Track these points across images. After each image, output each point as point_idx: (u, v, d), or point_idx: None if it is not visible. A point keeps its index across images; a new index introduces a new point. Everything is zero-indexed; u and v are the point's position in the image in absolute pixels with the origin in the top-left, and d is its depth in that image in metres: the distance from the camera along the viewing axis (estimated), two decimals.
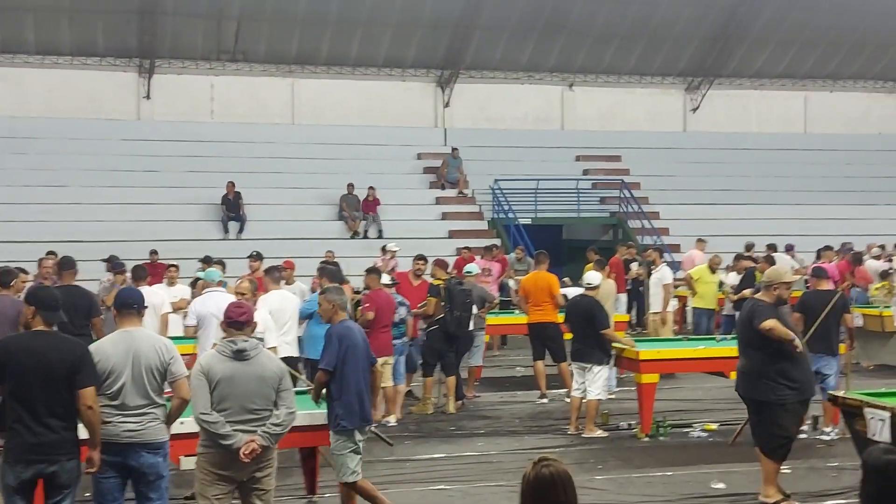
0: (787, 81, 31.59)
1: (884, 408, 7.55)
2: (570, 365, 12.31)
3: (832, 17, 29.11)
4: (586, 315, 11.63)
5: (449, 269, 14.67)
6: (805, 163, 30.24)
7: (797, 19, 29.13)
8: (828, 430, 11.07)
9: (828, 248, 20.60)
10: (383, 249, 21.11)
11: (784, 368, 8.41)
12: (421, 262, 14.17)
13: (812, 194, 28.71)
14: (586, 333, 11.63)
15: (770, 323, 8.34)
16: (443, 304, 12.92)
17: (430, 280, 13.75)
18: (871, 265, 19.88)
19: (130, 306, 6.85)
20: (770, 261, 16.18)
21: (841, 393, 8.43)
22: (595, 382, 11.46)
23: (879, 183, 29.61)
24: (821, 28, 29.61)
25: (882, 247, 21.00)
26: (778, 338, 8.37)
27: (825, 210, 27.80)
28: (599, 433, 11.48)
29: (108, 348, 6.64)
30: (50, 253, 16.26)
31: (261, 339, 9.09)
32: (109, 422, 6.48)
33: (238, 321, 6.82)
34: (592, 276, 12.29)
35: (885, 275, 18.83)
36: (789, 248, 21.85)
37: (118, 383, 6.53)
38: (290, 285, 13.03)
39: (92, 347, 6.67)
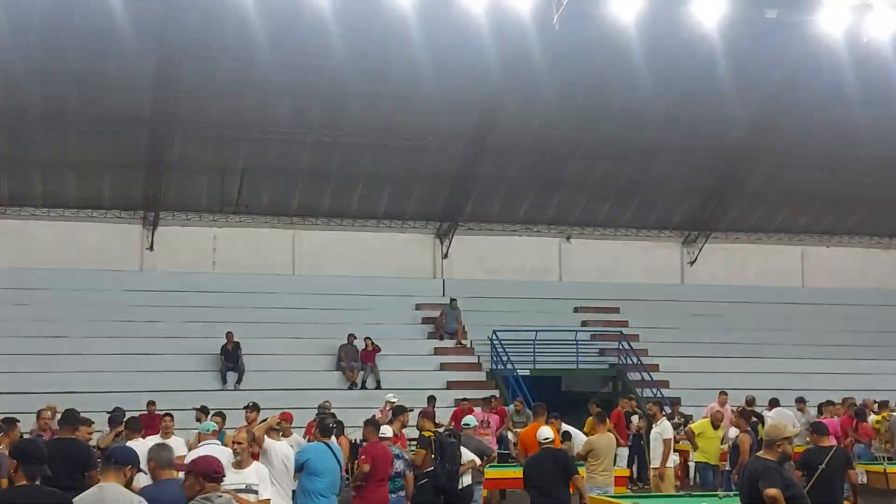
0: (783, 236, 31.98)
1: None
2: None
3: (826, 175, 29.67)
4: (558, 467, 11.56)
5: (438, 421, 14.51)
6: (804, 317, 30.33)
7: (791, 176, 29.68)
8: None
9: (830, 402, 20.48)
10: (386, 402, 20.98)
11: None
12: (403, 415, 14.34)
13: (812, 348, 28.71)
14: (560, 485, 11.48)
15: (774, 492, 8.27)
16: (433, 456, 12.75)
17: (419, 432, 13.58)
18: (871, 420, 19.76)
19: (108, 461, 6.91)
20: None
21: None
22: None
23: (880, 338, 29.61)
24: (815, 185, 30.13)
25: (884, 403, 20.85)
26: None
27: (826, 364, 27.74)
28: None
29: None
30: (49, 405, 16.20)
31: (255, 492, 9.01)
32: None
33: (218, 475, 6.81)
34: (544, 430, 12.23)
35: (883, 405, 18.76)
36: (800, 401, 21.62)
37: None
38: (287, 437, 12.90)
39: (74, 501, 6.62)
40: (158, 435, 14.39)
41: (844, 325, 30.29)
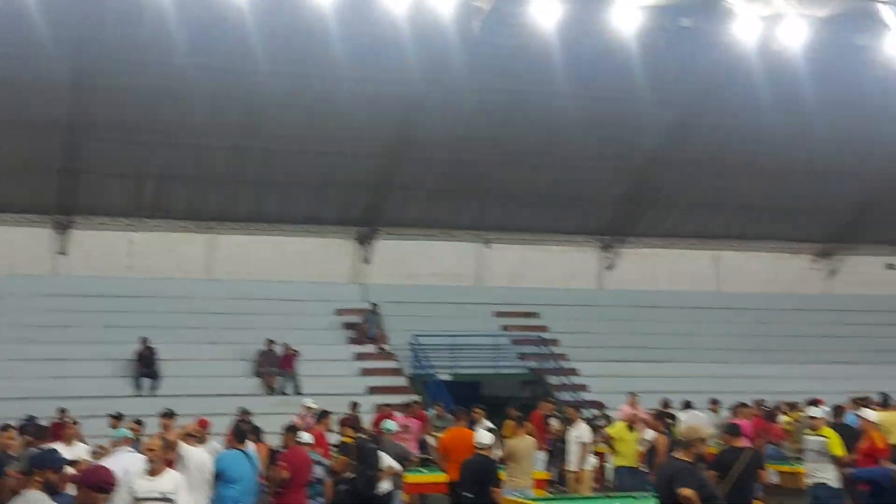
0: (697, 241, 32.50)
1: None
2: None
3: (739, 181, 30.22)
4: (481, 473, 11.44)
5: (356, 426, 14.45)
6: (719, 321, 30.86)
7: (705, 183, 30.19)
8: None
9: (743, 404, 20.83)
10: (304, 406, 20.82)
11: None
12: (326, 419, 14.30)
13: (727, 352, 29.21)
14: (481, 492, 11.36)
15: (688, 493, 8.41)
16: (353, 463, 12.69)
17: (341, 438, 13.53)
18: (782, 421, 20.19)
19: (27, 468, 6.80)
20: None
21: None
22: None
23: (791, 342, 30.27)
24: (728, 191, 30.69)
25: (792, 405, 21.31)
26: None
27: (738, 368, 28.24)
28: None
29: None
30: None
31: (170, 500, 8.86)
32: None
33: (108, 486, 6.72)
34: (484, 435, 12.10)
35: (793, 407, 19.19)
36: (713, 402, 22.01)
37: None
38: (203, 444, 12.71)
39: None
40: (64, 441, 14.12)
41: (756, 328, 30.91)
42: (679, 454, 8.89)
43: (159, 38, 22.99)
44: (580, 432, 17.02)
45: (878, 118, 28.82)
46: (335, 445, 13.21)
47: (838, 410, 16.72)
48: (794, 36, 24.59)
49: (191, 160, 26.50)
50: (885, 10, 24.79)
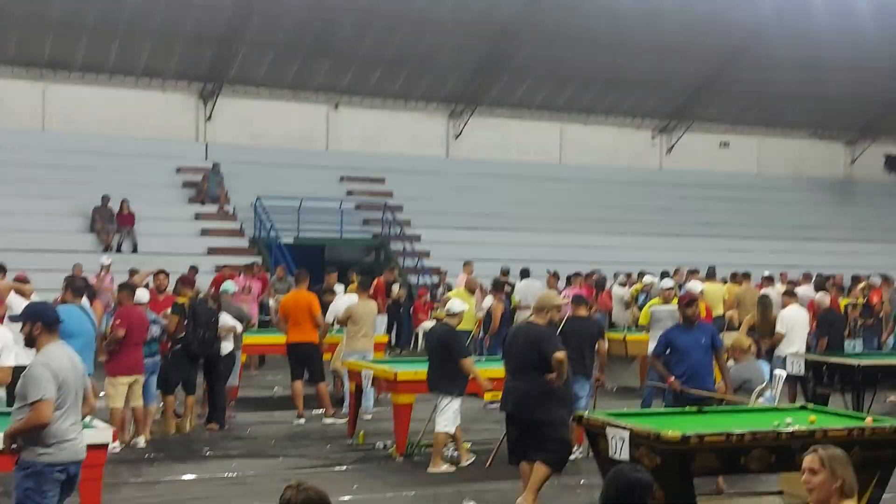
0: (544, 113, 32.87)
1: (623, 427, 7.91)
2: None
3: (587, 54, 30.50)
4: (442, 343, 11.00)
5: (196, 287, 14.22)
6: (560, 192, 31.50)
7: (557, 54, 30.34)
8: (574, 449, 11.49)
9: (577, 274, 21.46)
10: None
11: (562, 389, 8.99)
12: (163, 276, 14.12)
13: (566, 222, 29.92)
14: (441, 361, 10.94)
15: (561, 355, 8.88)
16: (186, 322, 12.58)
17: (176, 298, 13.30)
18: (617, 292, 20.94)
19: None
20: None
21: (585, 413, 8.79)
22: (443, 414, 10.81)
23: (627, 214, 31.21)
24: (578, 64, 30.96)
25: (628, 275, 22.09)
26: (560, 367, 8.86)
27: (576, 238, 28.99)
28: (445, 468, 10.84)
29: None
30: None
31: None
32: None
33: None
34: (455, 303, 11.61)
35: (628, 277, 19.97)
36: (552, 274, 22.49)
37: None
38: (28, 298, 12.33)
39: None
40: None
41: (596, 200, 31.72)
42: (535, 318, 9.22)
43: None
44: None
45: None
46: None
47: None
48: None
49: (22, 0, 24.98)
50: None
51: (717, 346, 10.59)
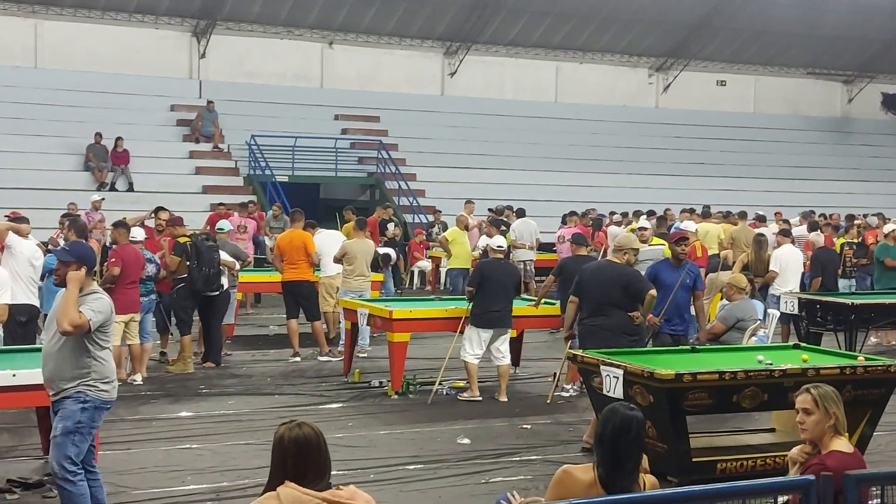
0: (540, 51, 32.63)
1: (618, 366, 7.97)
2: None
3: None
4: (516, 281, 11.53)
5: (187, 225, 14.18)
6: (555, 131, 31.39)
7: None
8: (568, 386, 11.60)
9: (573, 213, 21.45)
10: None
11: (639, 326, 9.55)
12: (163, 213, 14.02)
13: (560, 161, 29.84)
14: (510, 298, 11.44)
15: (654, 292, 9.41)
16: (188, 262, 12.59)
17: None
18: (613, 231, 20.93)
19: None
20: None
21: (580, 352, 8.83)
22: (505, 344, 11.44)
23: (622, 153, 31.16)
24: (572, 2, 30.71)
25: (624, 214, 22.08)
26: (650, 305, 9.48)
27: (572, 177, 28.97)
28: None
29: None
30: None
31: None
32: None
33: None
34: (499, 239, 12.05)
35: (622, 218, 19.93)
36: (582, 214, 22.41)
37: None
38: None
39: None
40: None
41: (591, 139, 31.64)
42: (614, 257, 9.69)
43: None
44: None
45: None
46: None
47: (661, 221, 17.41)
48: None
49: None
50: None
51: (697, 289, 10.47)
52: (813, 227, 19.13)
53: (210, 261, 12.68)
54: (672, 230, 16.66)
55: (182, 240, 12.75)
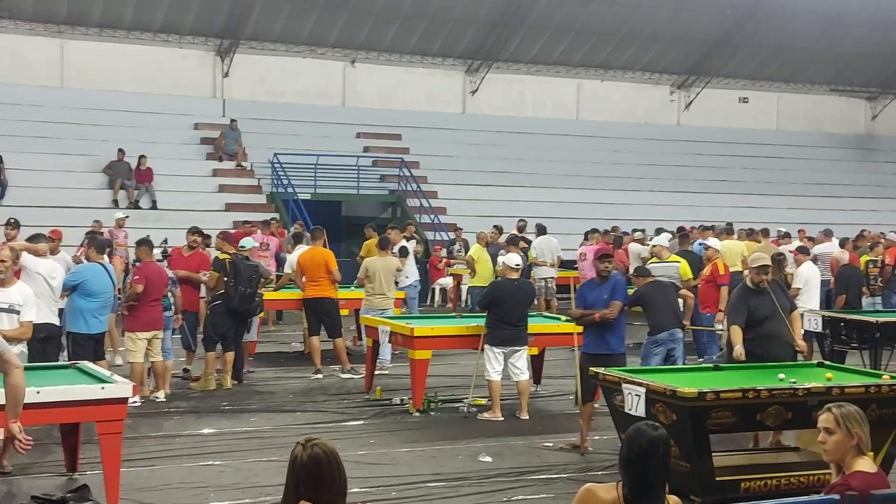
0: (561, 69, 32.65)
1: (640, 384, 7.94)
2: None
3: (604, 8, 30.29)
4: (530, 298, 11.73)
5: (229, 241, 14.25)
6: (576, 148, 31.39)
7: (572, 9, 30.12)
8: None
9: (594, 230, 21.41)
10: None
11: None
12: (195, 235, 13.77)
13: (582, 179, 29.84)
14: (526, 315, 11.46)
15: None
16: (226, 279, 12.65)
17: (217, 254, 13.37)
18: (634, 248, 20.86)
19: None
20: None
21: (602, 370, 8.79)
22: (523, 361, 11.38)
23: (644, 170, 31.09)
24: (593, 19, 30.75)
25: (643, 231, 22.00)
26: None
27: (593, 195, 28.93)
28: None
29: None
30: None
31: (16, 312, 8.67)
32: None
33: None
34: (513, 257, 11.90)
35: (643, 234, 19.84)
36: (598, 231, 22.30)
37: None
38: (55, 255, 12.44)
39: None
40: None
41: (612, 157, 31.61)
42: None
43: None
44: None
45: None
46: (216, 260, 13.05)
47: (683, 239, 17.35)
48: None
49: None
50: None
51: (614, 300, 10.00)
52: (840, 244, 19.02)
53: (248, 280, 12.73)
54: (695, 246, 16.64)
55: (222, 256, 12.83)
